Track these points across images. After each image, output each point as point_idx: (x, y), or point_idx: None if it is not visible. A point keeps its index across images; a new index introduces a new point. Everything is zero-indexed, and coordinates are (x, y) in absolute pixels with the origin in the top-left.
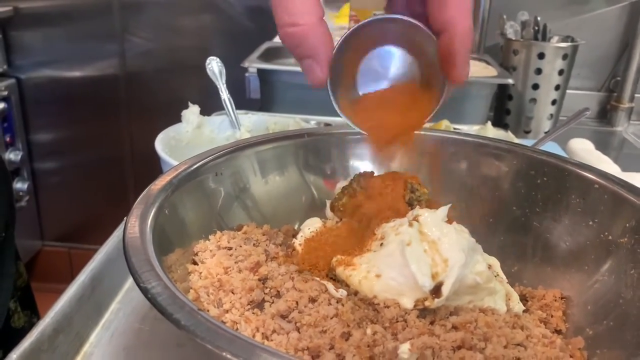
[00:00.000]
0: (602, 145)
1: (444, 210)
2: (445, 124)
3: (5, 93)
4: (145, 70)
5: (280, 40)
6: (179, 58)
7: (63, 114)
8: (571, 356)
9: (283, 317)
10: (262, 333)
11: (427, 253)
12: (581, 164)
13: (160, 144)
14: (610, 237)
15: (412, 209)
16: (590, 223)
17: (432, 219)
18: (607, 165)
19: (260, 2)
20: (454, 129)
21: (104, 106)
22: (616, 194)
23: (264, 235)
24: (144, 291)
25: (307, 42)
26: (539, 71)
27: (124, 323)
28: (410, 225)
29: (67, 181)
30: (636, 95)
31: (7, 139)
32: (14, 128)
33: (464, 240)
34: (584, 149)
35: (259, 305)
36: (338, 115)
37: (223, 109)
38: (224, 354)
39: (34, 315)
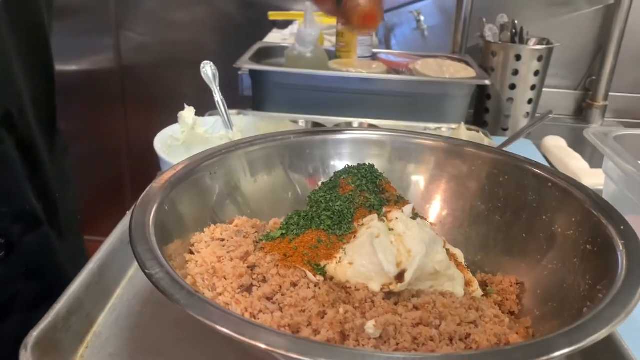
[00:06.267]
0: (578, 141)
1: (409, 208)
2: None
3: None
4: (140, 65)
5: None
6: (174, 52)
7: (59, 107)
8: (517, 333)
9: (268, 299)
10: (250, 312)
11: (393, 244)
12: (537, 163)
13: (159, 143)
14: (559, 230)
15: (382, 207)
16: (544, 217)
17: (399, 216)
18: (577, 161)
19: None
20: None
21: (100, 100)
22: (565, 191)
23: (253, 228)
24: (149, 276)
25: None
26: (515, 72)
27: (128, 307)
28: (381, 220)
29: None
30: (610, 94)
31: None
32: None
33: (425, 234)
34: (556, 146)
35: (248, 289)
36: (324, 115)
37: (216, 104)
38: (218, 327)
39: None
